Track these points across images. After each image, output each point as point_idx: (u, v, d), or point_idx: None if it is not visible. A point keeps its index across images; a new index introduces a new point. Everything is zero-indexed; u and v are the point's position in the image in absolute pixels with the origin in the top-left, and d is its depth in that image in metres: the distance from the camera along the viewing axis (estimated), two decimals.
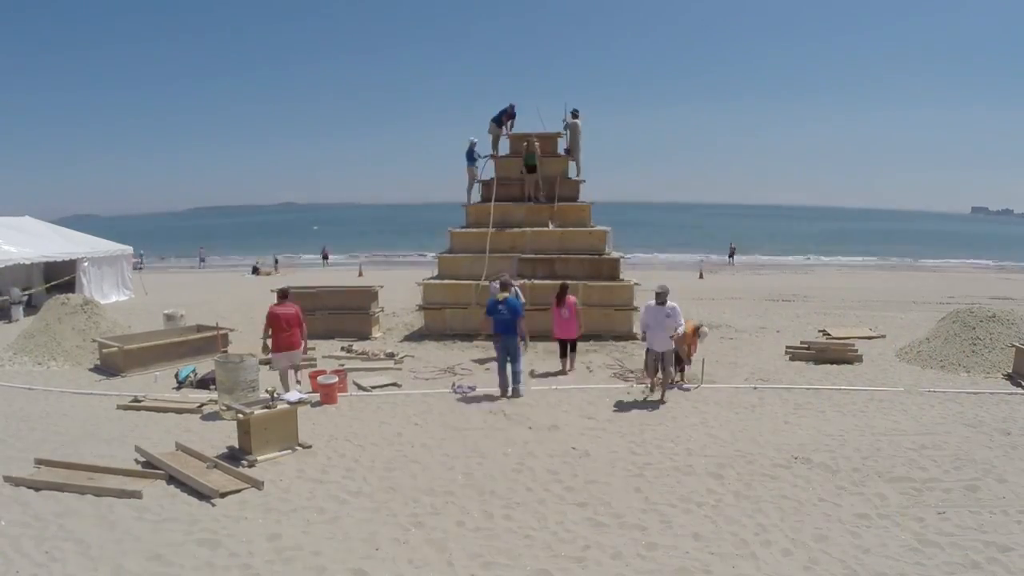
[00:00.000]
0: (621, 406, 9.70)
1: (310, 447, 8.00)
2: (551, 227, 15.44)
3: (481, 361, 12.69)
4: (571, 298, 11.97)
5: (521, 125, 16.66)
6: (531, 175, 15.74)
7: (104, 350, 12.34)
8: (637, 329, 14.73)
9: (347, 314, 14.95)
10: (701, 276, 31.92)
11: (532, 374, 11.65)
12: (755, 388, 10.55)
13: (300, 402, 8.90)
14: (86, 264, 20.66)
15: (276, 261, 40.27)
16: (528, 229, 15.45)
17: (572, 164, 16.34)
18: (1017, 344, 11.03)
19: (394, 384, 10.97)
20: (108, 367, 12.15)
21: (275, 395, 8.29)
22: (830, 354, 12.41)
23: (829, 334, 14.68)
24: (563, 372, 11.84)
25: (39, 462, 7.39)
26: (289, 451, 7.83)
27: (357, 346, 13.79)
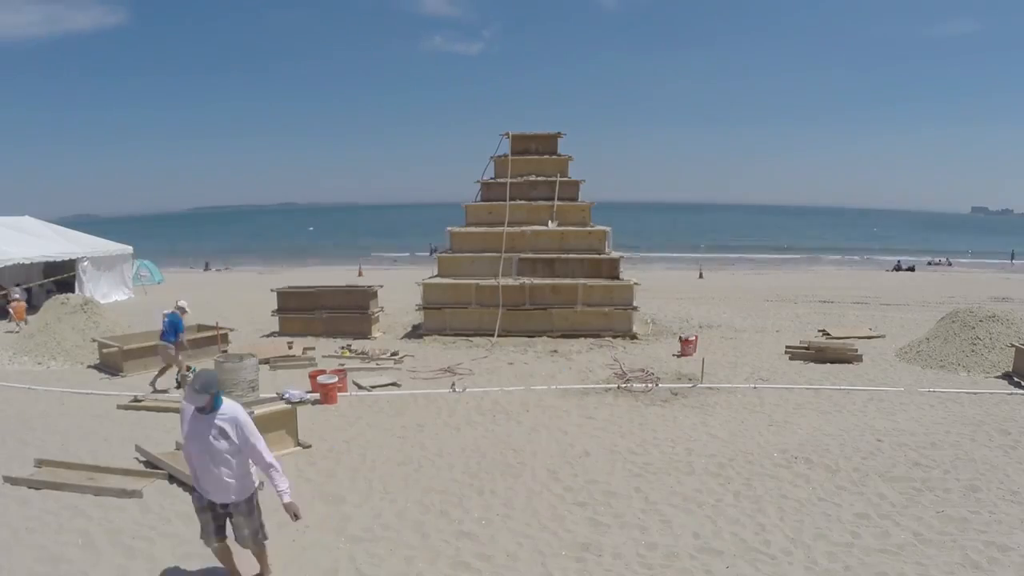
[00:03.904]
0: (621, 406, 9.70)
1: (310, 447, 8.00)
2: (551, 226, 15.44)
3: (481, 360, 12.68)
4: None
5: (521, 126, 16.72)
6: None
7: (104, 350, 12.34)
8: (637, 328, 14.76)
9: (346, 315, 14.99)
10: (701, 276, 31.92)
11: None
12: (755, 388, 10.56)
13: (301, 402, 8.92)
14: (86, 264, 20.65)
15: None
16: (528, 229, 15.46)
17: (571, 164, 16.38)
18: (1017, 344, 11.04)
19: (394, 384, 10.97)
20: (108, 367, 12.16)
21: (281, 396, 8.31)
22: (830, 354, 12.42)
23: (829, 334, 14.69)
24: None
25: (39, 462, 7.39)
26: (289, 451, 7.83)
27: (357, 346, 13.81)
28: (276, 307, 15.45)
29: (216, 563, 5.38)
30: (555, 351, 13.40)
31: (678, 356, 12.83)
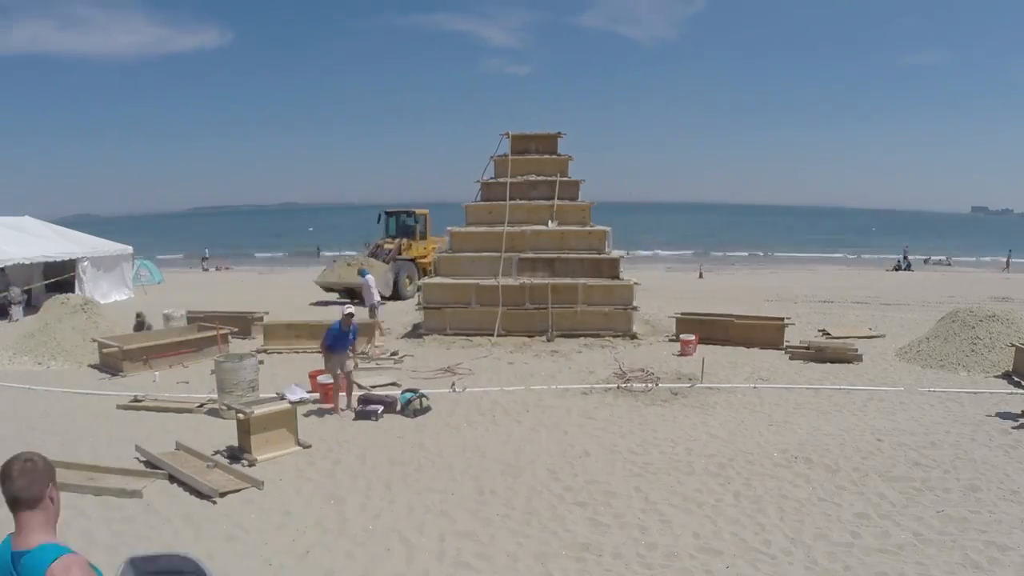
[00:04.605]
0: (621, 406, 9.69)
1: (310, 447, 8.00)
2: (551, 226, 15.43)
3: (481, 360, 12.68)
4: None
5: (521, 126, 16.73)
6: None
7: (104, 350, 12.34)
8: (637, 328, 14.76)
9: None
10: (701, 276, 31.92)
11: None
12: (755, 388, 10.56)
13: (300, 401, 8.91)
14: (86, 264, 20.66)
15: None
16: (528, 228, 15.46)
17: (571, 164, 16.38)
18: (1017, 344, 11.04)
19: (394, 383, 10.97)
20: (108, 367, 12.16)
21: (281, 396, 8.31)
22: (830, 354, 12.41)
23: (829, 334, 14.68)
24: None
25: None
26: (289, 451, 7.83)
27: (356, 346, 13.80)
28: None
29: (213, 563, 5.38)
30: (555, 351, 13.40)
31: (678, 356, 12.83)
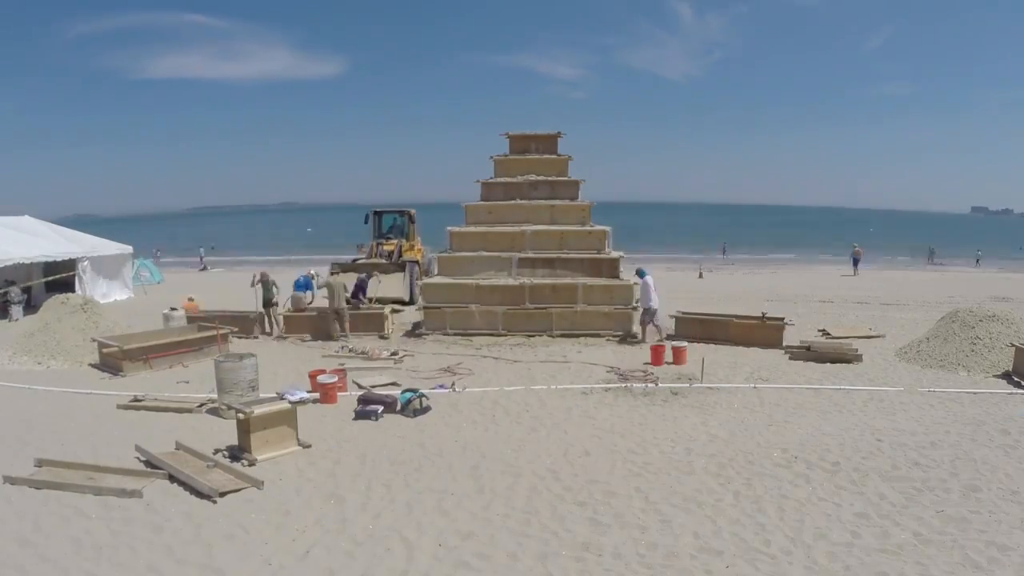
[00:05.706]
0: (621, 406, 9.69)
1: (310, 446, 8.00)
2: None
3: (480, 359, 12.67)
4: None
5: (521, 126, 16.72)
6: None
7: (104, 350, 12.34)
8: (637, 327, 14.76)
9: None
10: (701, 276, 31.90)
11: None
12: (755, 388, 10.55)
13: (301, 401, 8.92)
14: (86, 264, 20.66)
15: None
16: (528, 228, 15.45)
17: (571, 164, 16.37)
18: (1017, 344, 11.04)
19: (393, 383, 10.97)
20: (108, 367, 12.16)
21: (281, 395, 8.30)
22: (830, 354, 12.41)
23: (829, 334, 14.68)
24: None
25: (39, 462, 7.39)
26: (289, 451, 7.83)
27: (357, 345, 13.82)
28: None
29: (213, 563, 5.38)
30: (555, 351, 13.39)
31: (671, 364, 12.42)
